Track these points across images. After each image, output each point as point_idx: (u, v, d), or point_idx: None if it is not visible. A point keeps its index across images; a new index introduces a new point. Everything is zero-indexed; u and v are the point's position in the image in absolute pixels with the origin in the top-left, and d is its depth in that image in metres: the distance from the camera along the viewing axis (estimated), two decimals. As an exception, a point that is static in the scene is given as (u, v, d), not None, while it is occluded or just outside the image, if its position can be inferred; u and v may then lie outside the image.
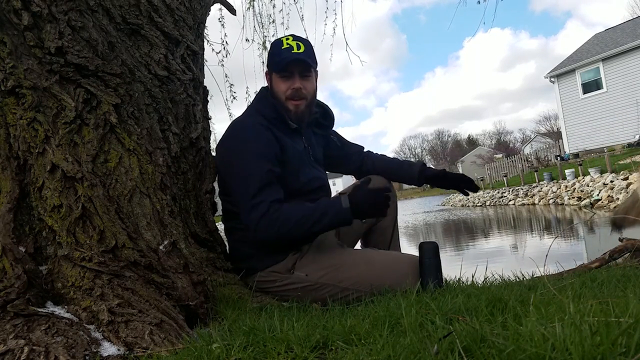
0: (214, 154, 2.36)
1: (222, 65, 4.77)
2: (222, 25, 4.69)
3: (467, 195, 2.30)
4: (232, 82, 4.87)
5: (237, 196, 1.93)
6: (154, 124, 1.87)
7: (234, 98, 4.97)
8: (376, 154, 2.41)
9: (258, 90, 2.18)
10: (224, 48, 4.80)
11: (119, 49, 1.76)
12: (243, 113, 2.13)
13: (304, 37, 2.21)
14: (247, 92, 5.11)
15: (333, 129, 2.31)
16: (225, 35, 4.74)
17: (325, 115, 2.21)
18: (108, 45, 1.71)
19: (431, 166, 2.36)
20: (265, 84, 2.14)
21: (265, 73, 2.11)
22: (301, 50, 1.96)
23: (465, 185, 2.22)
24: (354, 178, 2.42)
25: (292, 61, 1.95)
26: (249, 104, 2.16)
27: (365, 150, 2.41)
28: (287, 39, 2.00)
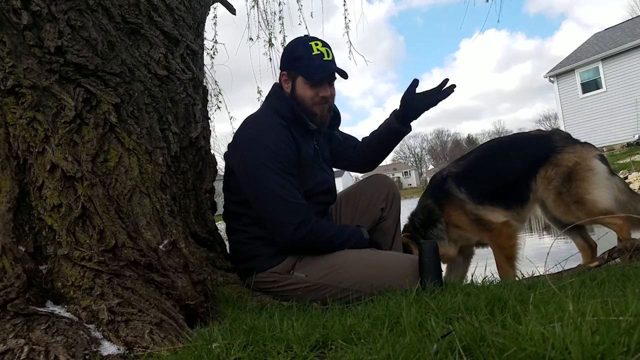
0: (213, 152, 2.36)
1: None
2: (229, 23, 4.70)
3: (447, 95, 2.08)
4: (236, 81, 4.90)
5: (263, 199, 1.87)
6: (154, 123, 1.87)
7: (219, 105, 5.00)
8: (363, 139, 2.33)
9: (271, 88, 2.11)
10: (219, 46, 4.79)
11: (118, 48, 1.76)
12: (260, 111, 2.07)
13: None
14: (259, 92, 5.12)
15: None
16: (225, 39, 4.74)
17: (334, 116, 2.19)
18: (108, 45, 1.70)
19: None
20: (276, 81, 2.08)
21: (283, 73, 2.02)
22: (330, 58, 1.95)
23: (441, 95, 2.08)
24: (352, 177, 2.41)
25: (329, 74, 1.95)
26: (264, 101, 2.11)
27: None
28: (316, 44, 1.95)
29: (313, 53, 1.93)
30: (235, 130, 2.14)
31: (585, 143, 2.38)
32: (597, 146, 2.49)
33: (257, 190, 1.87)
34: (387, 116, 2.24)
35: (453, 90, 2.10)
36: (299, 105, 1.96)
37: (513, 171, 2.43)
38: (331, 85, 2.00)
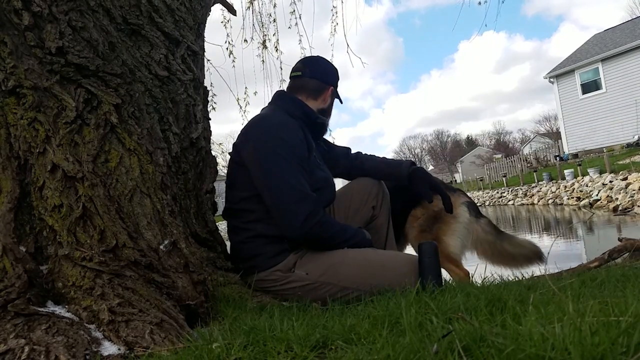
0: (214, 153, 2.37)
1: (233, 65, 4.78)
2: (226, 24, 4.69)
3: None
4: (230, 83, 4.88)
5: (275, 188, 1.90)
6: (155, 124, 1.88)
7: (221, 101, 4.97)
8: (365, 154, 2.44)
9: (275, 94, 2.24)
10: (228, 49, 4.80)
11: (119, 49, 1.77)
12: (269, 110, 2.12)
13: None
14: (245, 93, 5.11)
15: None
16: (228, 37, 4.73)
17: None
18: (109, 46, 1.71)
19: (422, 166, 2.36)
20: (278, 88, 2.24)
21: (331, 88, 2.22)
22: None
23: (443, 203, 2.27)
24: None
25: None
26: (269, 104, 2.20)
27: (352, 152, 2.44)
28: None
29: None
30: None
31: (457, 190, 2.59)
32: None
33: (269, 179, 1.90)
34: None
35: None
36: (326, 114, 2.20)
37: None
38: None
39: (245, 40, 5.01)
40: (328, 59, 2.32)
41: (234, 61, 4.96)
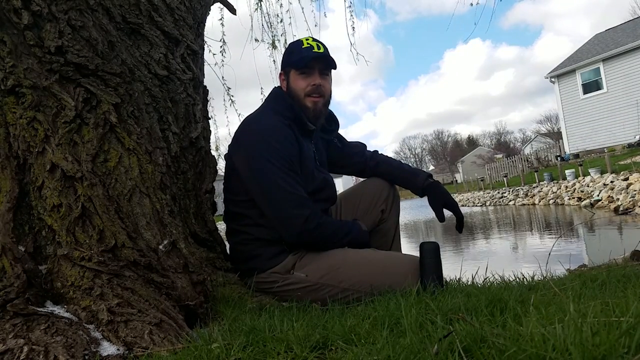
0: (213, 153, 2.36)
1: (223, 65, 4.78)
2: (222, 24, 4.70)
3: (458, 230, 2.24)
4: (236, 84, 4.91)
5: (270, 196, 1.87)
6: (154, 123, 1.87)
7: (232, 102, 4.99)
8: (381, 155, 2.37)
9: (271, 91, 2.15)
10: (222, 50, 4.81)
11: (118, 48, 1.76)
12: (258, 112, 2.07)
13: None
14: (260, 93, 5.14)
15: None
16: (224, 36, 4.75)
17: (329, 120, 2.21)
18: (108, 45, 1.70)
19: (438, 180, 2.24)
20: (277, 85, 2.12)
21: (280, 73, 2.09)
22: (321, 50, 1.99)
23: (457, 223, 2.20)
24: (352, 178, 2.43)
25: (314, 58, 1.97)
26: (262, 103, 2.13)
27: (368, 149, 2.38)
28: (307, 40, 2.03)
29: (303, 46, 2.00)
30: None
31: None
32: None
33: (263, 188, 1.87)
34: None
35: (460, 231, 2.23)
36: (294, 100, 2.00)
37: None
38: (323, 76, 2.01)
39: (256, 40, 5.02)
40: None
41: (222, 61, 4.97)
